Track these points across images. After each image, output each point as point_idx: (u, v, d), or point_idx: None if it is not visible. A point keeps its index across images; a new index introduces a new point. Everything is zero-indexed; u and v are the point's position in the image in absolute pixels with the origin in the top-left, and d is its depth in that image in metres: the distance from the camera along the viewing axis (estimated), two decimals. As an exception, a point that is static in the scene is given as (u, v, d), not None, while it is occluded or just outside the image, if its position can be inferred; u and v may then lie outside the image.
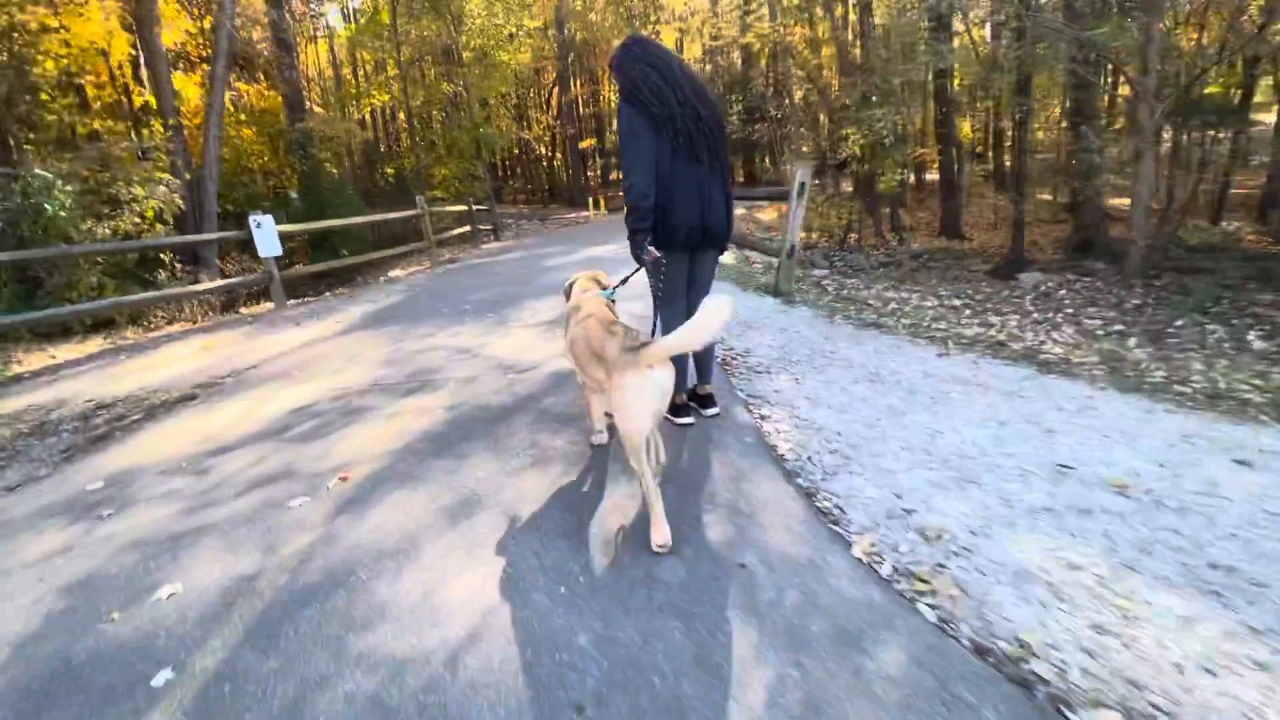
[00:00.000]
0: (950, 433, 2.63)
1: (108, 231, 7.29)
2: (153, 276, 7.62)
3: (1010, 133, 21.50)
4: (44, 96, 9.18)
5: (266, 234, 6.91)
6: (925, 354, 3.70)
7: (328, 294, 8.73)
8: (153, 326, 6.98)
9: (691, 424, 2.76)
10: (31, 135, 9.56)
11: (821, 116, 17.25)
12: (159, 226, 7.64)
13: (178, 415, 3.54)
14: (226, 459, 2.79)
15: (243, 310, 8.00)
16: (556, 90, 32.88)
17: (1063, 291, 5.95)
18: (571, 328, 2.32)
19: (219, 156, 10.23)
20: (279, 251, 6.98)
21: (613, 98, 36.64)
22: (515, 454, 2.58)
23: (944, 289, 6.71)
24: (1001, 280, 9.93)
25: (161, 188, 7.43)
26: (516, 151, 34.95)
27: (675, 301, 2.59)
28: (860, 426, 2.72)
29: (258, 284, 7.06)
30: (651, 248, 2.42)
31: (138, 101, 12.41)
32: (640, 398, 1.82)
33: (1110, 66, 8.25)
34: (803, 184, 5.05)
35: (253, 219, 6.78)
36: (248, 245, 7.37)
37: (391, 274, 10.92)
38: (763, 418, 2.84)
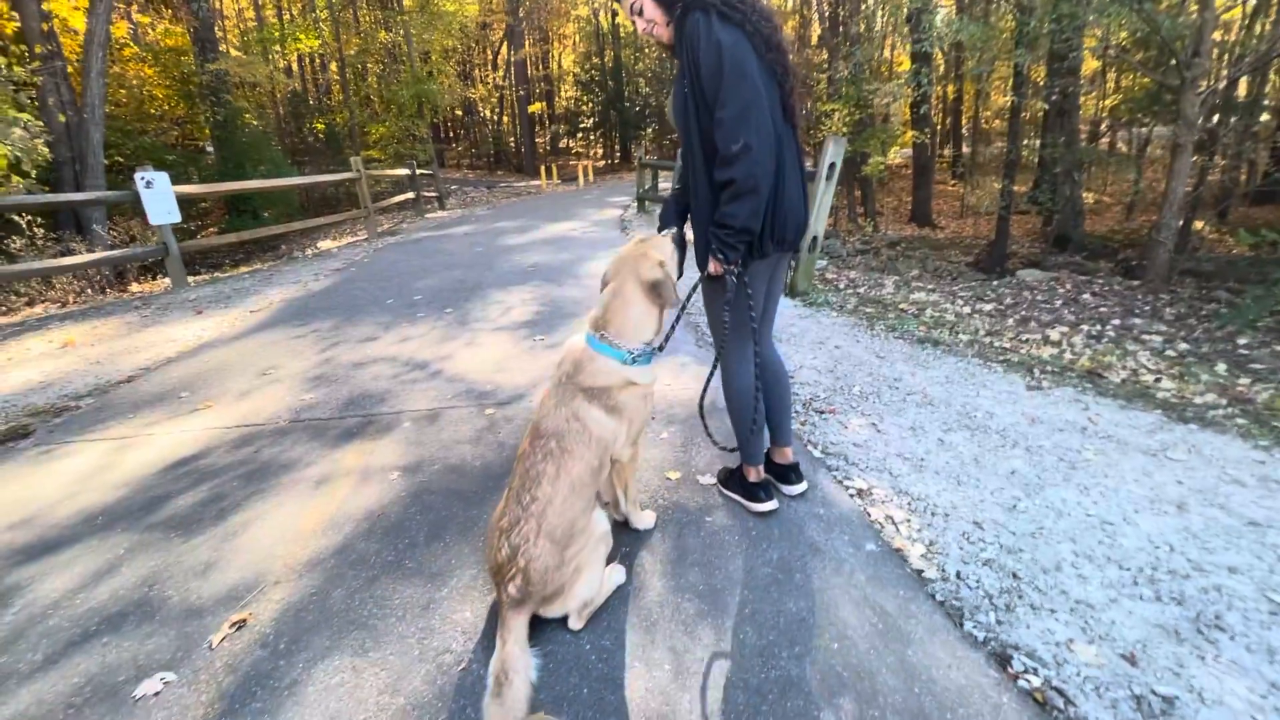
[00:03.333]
0: (1123, 524, 1.91)
1: (-57, 184, 5.69)
2: (5, 245, 6.06)
3: (965, 120, 21.46)
4: None
5: (159, 195, 5.53)
6: (1012, 386, 2.99)
7: (243, 270, 7.35)
8: (6, 309, 5.53)
9: (775, 510, 1.92)
10: None
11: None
12: (16, 179, 6.07)
13: (-6, 467, 2.42)
14: (43, 572, 1.76)
15: (134, 288, 6.57)
16: (506, 47, 30.80)
17: (1086, 295, 5.44)
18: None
19: (103, 97, 8.47)
20: (176, 218, 5.62)
21: (565, 60, 34.75)
22: (520, 569, 1.67)
23: (958, 287, 6.10)
24: (986, 273, 9.55)
25: (17, 130, 5.85)
26: (460, 113, 32.66)
27: (768, 319, 1.87)
28: (998, 510, 1.97)
29: (150, 257, 5.69)
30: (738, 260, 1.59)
31: (8, 29, 10.27)
32: None
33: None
34: (833, 164, 4.24)
35: (139, 176, 5.40)
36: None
37: (322, 245, 9.53)
38: (861, 495, 2.04)
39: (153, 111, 14.85)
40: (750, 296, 1.64)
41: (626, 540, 1.78)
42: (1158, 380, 3.13)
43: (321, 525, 1.90)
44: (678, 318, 1.76)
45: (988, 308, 4.84)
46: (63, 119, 8.13)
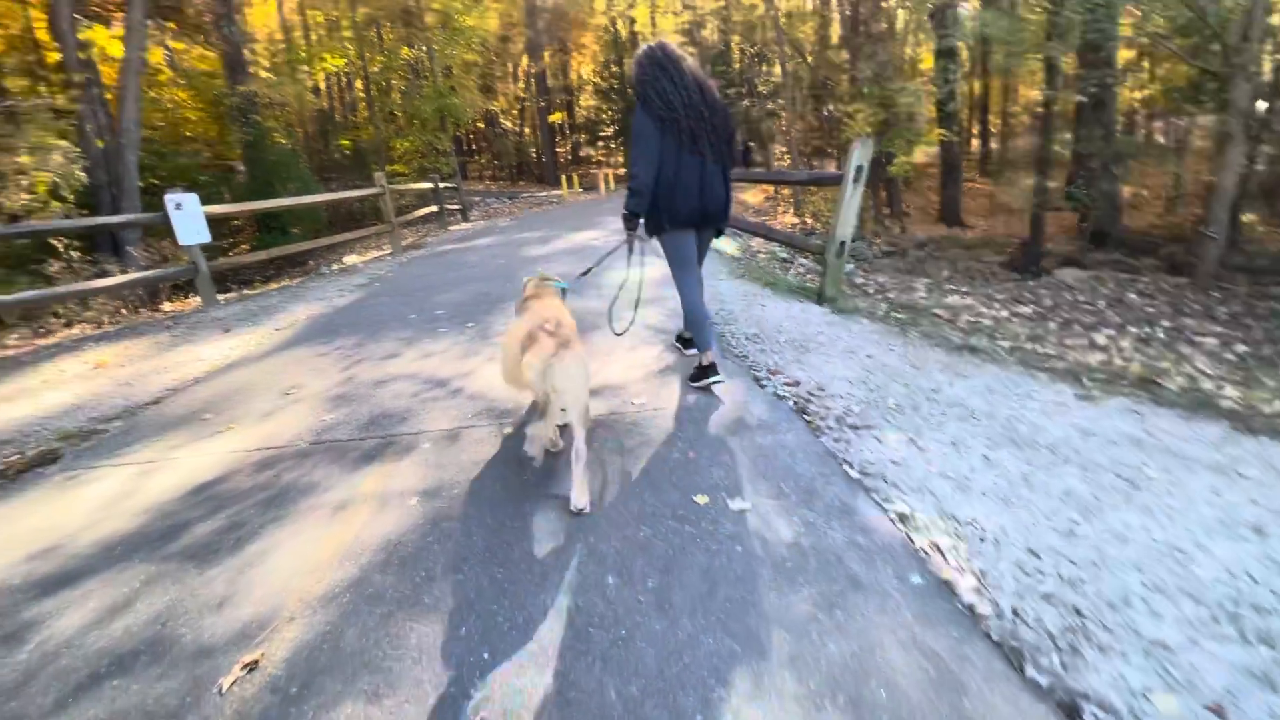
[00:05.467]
0: (1195, 550, 1.75)
1: (-13, 211, 5.89)
2: (43, 268, 6.24)
3: (994, 116, 20.94)
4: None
5: (189, 217, 5.63)
6: (1059, 396, 2.83)
7: (271, 287, 7.46)
8: (45, 330, 5.67)
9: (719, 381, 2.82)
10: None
11: (798, 95, 16.30)
12: (55, 204, 6.25)
13: (21, 493, 2.42)
14: (59, 607, 1.72)
15: (166, 307, 6.70)
16: (526, 59, 31.13)
17: (1131, 295, 5.18)
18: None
19: (139, 120, 8.71)
20: (206, 238, 5.71)
21: (584, 69, 35.02)
22: (546, 610, 1.58)
23: (993, 289, 5.88)
24: (1021, 273, 9.25)
25: (56, 157, 6.03)
26: (482, 125, 33.07)
27: (688, 268, 2.89)
28: (1053, 536, 1.82)
29: (181, 276, 5.79)
30: (640, 229, 2.81)
31: (52, 59, 10.67)
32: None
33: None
34: (860, 167, 4.11)
35: (170, 199, 5.50)
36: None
37: (347, 260, 9.65)
38: (903, 520, 1.91)
39: (187, 134, 15.29)
40: (640, 247, 2.91)
41: (650, 572, 1.68)
42: (1219, 387, 2.93)
43: (338, 555, 1.84)
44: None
45: (1027, 310, 4.63)
46: (100, 144, 8.39)
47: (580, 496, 1.94)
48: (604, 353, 3.47)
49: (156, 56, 17.61)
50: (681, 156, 2.63)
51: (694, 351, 3.10)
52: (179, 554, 1.91)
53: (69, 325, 5.73)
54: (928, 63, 16.77)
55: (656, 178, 2.62)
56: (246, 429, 2.84)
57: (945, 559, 1.74)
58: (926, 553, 1.76)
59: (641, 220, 2.75)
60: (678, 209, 2.69)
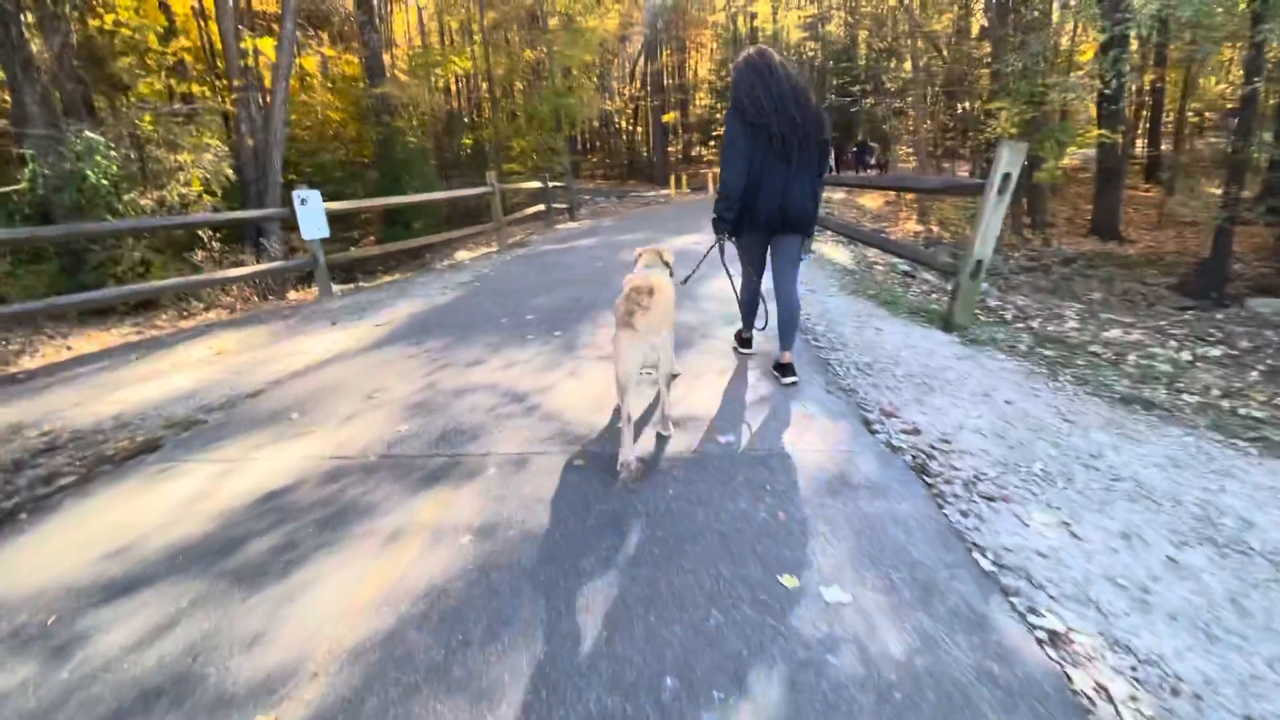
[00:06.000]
0: None
1: (151, 203, 6.58)
2: (189, 256, 6.92)
3: (1168, 114, 18.20)
4: (124, 60, 8.65)
5: (312, 212, 5.97)
6: (1276, 480, 2.18)
7: (384, 280, 7.83)
8: (190, 313, 6.24)
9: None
10: (124, 99, 9.14)
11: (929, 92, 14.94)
12: (207, 198, 6.89)
13: (119, 482, 2.52)
14: (112, 619, 1.69)
15: (291, 296, 7.20)
16: (642, 59, 31.31)
17: (1361, 338, 4.12)
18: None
19: (285, 121, 9.49)
20: (325, 233, 6.03)
21: (700, 68, 34.73)
22: (588, 714, 1.32)
23: (1165, 321, 4.95)
24: (1197, 299, 7.87)
25: (208, 155, 6.64)
26: (597, 124, 33.69)
27: (756, 269, 3.06)
28: (1287, 701, 1.31)
29: (304, 269, 6.17)
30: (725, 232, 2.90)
31: (219, 64, 11.97)
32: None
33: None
34: (1007, 175, 3.51)
35: (297, 195, 5.85)
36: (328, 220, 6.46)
37: (458, 256, 10.01)
38: (1056, 642, 1.46)
39: (330, 133, 16.68)
40: (730, 251, 3.04)
41: (718, 678, 1.37)
42: None
43: (378, 599, 1.69)
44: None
45: (1215, 353, 3.79)
46: (251, 142, 9.22)
47: (665, 428, 2.53)
48: (692, 375, 3.17)
49: (310, 64, 19.40)
50: (768, 161, 2.71)
51: (749, 351, 3.40)
52: (231, 573, 1.85)
53: (208, 310, 6.28)
54: (1086, 55, 14.87)
55: (744, 184, 2.73)
56: (326, 433, 2.82)
57: (1119, 714, 1.29)
58: (1091, 700, 1.32)
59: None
60: (758, 213, 2.80)
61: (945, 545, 1.80)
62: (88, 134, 6.57)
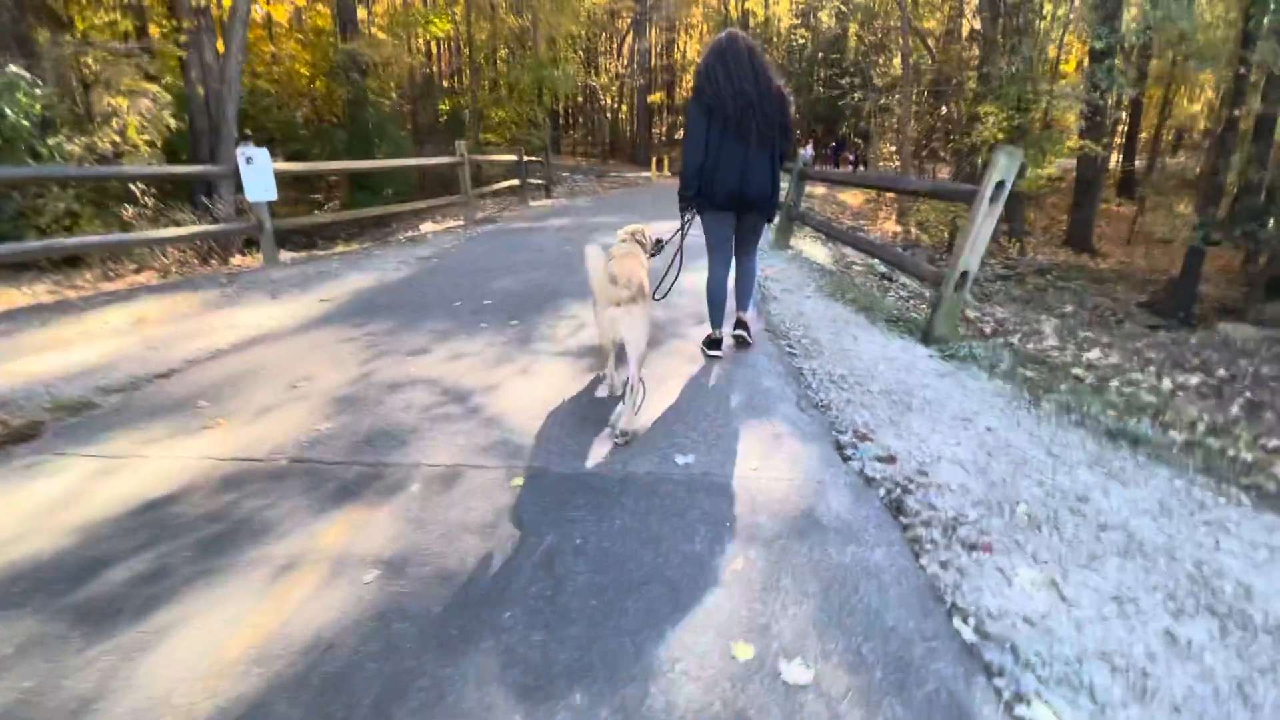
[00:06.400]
0: None
1: (79, 149, 5.99)
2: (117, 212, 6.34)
3: (1145, 129, 18.43)
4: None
5: (258, 172, 5.48)
6: (1273, 536, 2.02)
7: (337, 250, 7.35)
8: (118, 274, 5.72)
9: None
10: (70, 36, 8.34)
11: (917, 90, 14.84)
12: (145, 149, 6.31)
13: (-22, 478, 2.15)
14: (-89, 668, 1.36)
15: (236, 261, 6.69)
16: (630, 36, 30.55)
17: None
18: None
19: (240, 69, 8.81)
20: (272, 195, 5.56)
21: (689, 49, 34.10)
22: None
23: (1142, 343, 4.86)
24: (1165, 318, 7.90)
25: (145, 100, 6.06)
26: (580, 100, 32.85)
27: (720, 249, 3.13)
28: (1310, 831, 1.11)
29: (246, 233, 5.69)
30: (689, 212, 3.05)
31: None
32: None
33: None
34: (1001, 183, 3.30)
35: (241, 152, 5.37)
36: (287, 181, 5.96)
37: (422, 229, 9.54)
38: (1050, 746, 1.25)
39: (299, 89, 15.77)
40: (687, 232, 3.14)
41: (654, 786, 1.11)
42: None
43: (251, 653, 1.39)
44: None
45: (1194, 381, 3.67)
46: (202, 91, 8.54)
47: (628, 423, 2.36)
48: (656, 380, 2.90)
49: (281, 14, 18.31)
50: (725, 143, 2.80)
51: (717, 354, 3.22)
52: (75, 609, 1.52)
53: (139, 272, 5.76)
54: (1070, 65, 14.88)
55: (701, 163, 2.83)
56: (234, 427, 2.49)
57: None
58: (1090, 825, 1.10)
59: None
60: (715, 192, 2.89)
61: (923, 609, 1.57)
62: (12, 68, 5.93)
